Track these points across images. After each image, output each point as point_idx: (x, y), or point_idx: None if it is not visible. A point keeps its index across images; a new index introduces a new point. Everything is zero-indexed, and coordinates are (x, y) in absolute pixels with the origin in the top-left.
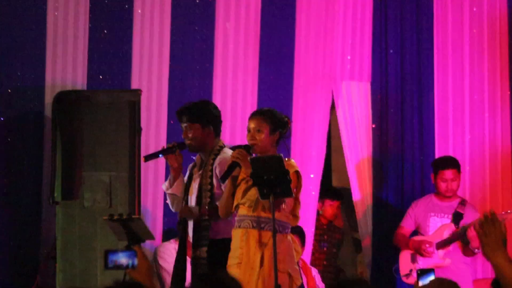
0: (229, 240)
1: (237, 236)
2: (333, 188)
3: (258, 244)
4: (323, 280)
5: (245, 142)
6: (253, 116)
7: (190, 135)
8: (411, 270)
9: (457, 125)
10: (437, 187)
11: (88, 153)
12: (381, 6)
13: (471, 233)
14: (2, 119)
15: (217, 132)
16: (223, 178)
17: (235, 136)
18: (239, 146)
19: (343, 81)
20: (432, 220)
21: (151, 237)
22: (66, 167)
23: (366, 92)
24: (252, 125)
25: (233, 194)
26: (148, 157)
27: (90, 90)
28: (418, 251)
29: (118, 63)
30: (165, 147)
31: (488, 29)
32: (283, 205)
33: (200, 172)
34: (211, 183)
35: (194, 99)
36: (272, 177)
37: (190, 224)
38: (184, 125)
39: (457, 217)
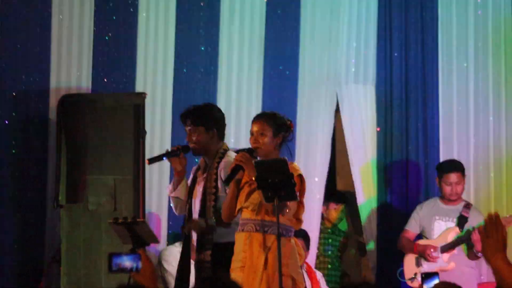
0: (233, 244)
1: (240, 239)
2: (337, 192)
3: (262, 247)
4: (328, 283)
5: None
6: (256, 119)
7: (194, 139)
8: (415, 274)
9: (461, 128)
10: (442, 191)
11: (92, 157)
12: (386, 9)
13: (476, 237)
14: (6, 122)
15: (221, 135)
16: (226, 181)
17: (239, 139)
18: (242, 150)
19: (348, 84)
20: (437, 223)
21: (155, 240)
22: (70, 170)
23: (370, 95)
24: (255, 129)
25: (236, 198)
26: (152, 160)
27: (94, 93)
28: (423, 256)
29: (123, 66)
30: (169, 150)
31: (493, 32)
32: (287, 209)
33: (205, 175)
34: (216, 187)
35: (198, 103)
36: (276, 181)
37: None
38: (188, 128)
39: (461, 221)
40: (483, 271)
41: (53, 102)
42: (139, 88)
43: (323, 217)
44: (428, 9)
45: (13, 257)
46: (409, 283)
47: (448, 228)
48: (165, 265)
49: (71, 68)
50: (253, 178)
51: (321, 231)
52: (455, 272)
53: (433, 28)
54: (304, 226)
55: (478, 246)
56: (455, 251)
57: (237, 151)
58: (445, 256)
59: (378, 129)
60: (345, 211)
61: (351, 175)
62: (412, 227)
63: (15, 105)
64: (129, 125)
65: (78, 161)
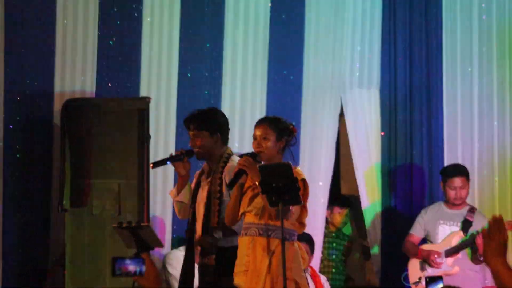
0: (237, 248)
1: (243, 243)
2: (341, 196)
3: (265, 251)
4: (332, 287)
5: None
6: (259, 123)
7: (197, 143)
8: (420, 278)
9: (466, 132)
10: (446, 195)
11: (97, 161)
12: (390, 14)
13: (480, 241)
14: (11, 126)
15: (225, 139)
16: (229, 186)
17: (244, 144)
18: (245, 154)
19: (352, 89)
20: (441, 227)
21: (160, 244)
22: (74, 175)
23: (375, 99)
24: (258, 133)
25: (239, 202)
26: (156, 164)
27: (99, 97)
28: (427, 261)
29: (127, 70)
30: (173, 154)
31: (497, 37)
32: (290, 213)
33: (209, 179)
34: (221, 191)
35: (202, 107)
36: (281, 185)
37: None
38: (191, 133)
39: (466, 225)
40: (488, 275)
41: (57, 106)
42: (143, 92)
43: (327, 221)
44: (433, 14)
45: (18, 261)
46: (413, 287)
47: (452, 232)
48: (170, 269)
49: (75, 72)
50: (257, 183)
51: (326, 235)
52: (459, 276)
53: (437, 32)
54: (308, 230)
55: (482, 250)
56: (459, 255)
57: (241, 156)
58: (450, 260)
59: (383, 133)
60: (350, 215)
61: (355, 179)
62: (416, 231)
63: (20, 109)
64: (133, 130)
65: (82, 166)
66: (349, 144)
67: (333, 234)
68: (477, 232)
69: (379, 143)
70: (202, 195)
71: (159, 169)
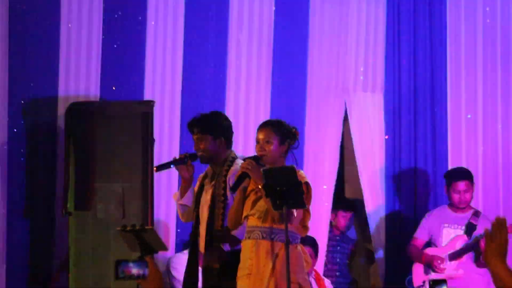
0: (240, 251)
1: (246, 247)
2: (346, 199)
3: (268, 255)
4: None
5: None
6: (262, 127)
7: (201, 147)
8: (424, 282)
9: (470, 136)
10: (450, 199)
11: (101, 164)
12: (394, 17)
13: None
14: (15, 130)
15: (229, 143)
16: (232, 189)
17: (248, 147)
18: (249, 157)
19: (356, 92)
20: (445, 231)
21: (164, 248)
22: (79, 178)
23: (379, 103)
24: (261, 136)
25: (242, 205)
26: (160, 167)
27: (103, 101)
28: (430, 266)
29: (131, 74)
30: (176, 158)
31: (502, 40)
32: (294, 217)
33: (213, 183)
34: (225, 194)
35: (207, 111)
36: (284, 188)
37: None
38: (195, 136)
39: (470, 228)
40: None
41: (61, 110)
42: (147, 96)
43: (331, 225)
44: (437, 17)
45: (22, 264)
46: None
47: (456, 236)
48: (174, 273)
49: (79, 76)
50: (260, 186)
51: (330, 239)
52: (463, 280)
53: (441, 36)
54: (312, 234)
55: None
56: (463, 258)
57: (244, 159)
58: (454, 263)
59: (387, 137)
60: (354, 218)
61: (359, 183)
62: (421, 235)
63: (24, 113)
64: (137, 133)
65: (87, 169)
66: (354, 148)
67: (338, 238)
68: (481, 236)
69: (383, 146)
70: (206, 198)
71: (163, 173)
